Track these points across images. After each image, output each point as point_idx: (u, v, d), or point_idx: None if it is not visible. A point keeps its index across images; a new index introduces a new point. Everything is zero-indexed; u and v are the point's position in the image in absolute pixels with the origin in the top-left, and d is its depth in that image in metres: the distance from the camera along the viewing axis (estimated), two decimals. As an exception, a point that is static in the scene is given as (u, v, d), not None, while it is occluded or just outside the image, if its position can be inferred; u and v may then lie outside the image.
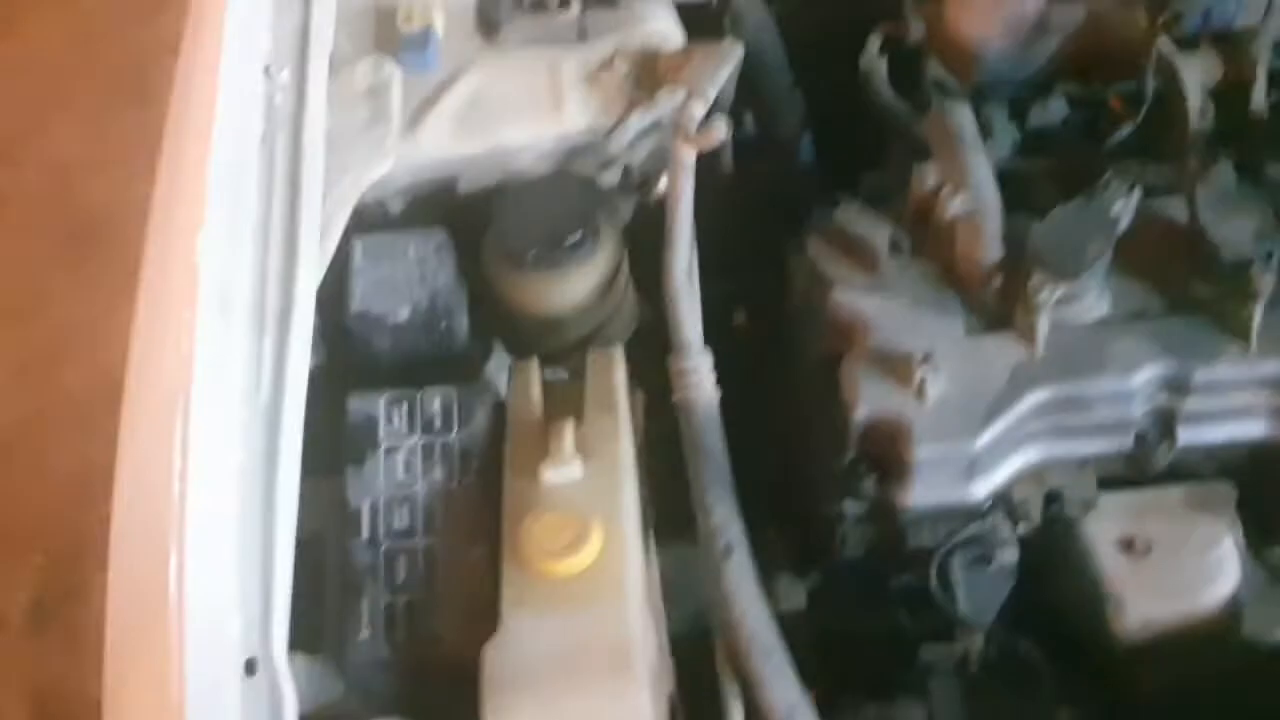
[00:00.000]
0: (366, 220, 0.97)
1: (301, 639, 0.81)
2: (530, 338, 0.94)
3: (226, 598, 0.72)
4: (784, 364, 0.99)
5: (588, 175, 0.98)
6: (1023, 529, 0.86)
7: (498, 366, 1.00)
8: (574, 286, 0.90)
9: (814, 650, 1.02)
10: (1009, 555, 0.88)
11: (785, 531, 1.05)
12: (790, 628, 1.00)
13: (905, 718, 0.82)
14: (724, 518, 0.78)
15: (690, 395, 0.82)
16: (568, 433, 0.80)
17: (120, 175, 2.34)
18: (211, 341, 0.78)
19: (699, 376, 0.83)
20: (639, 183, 0.97)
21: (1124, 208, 0.84)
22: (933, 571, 0.85)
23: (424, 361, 0.90)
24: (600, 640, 0.71)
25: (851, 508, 0.87)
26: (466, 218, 0.98)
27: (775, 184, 1.07)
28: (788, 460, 0.98)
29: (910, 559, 0.90)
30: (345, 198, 0.91)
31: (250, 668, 0.71)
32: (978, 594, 0.90)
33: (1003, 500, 0.85)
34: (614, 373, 0.85)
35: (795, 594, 1.01)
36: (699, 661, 0.81)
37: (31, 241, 2.29)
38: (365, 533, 0.81)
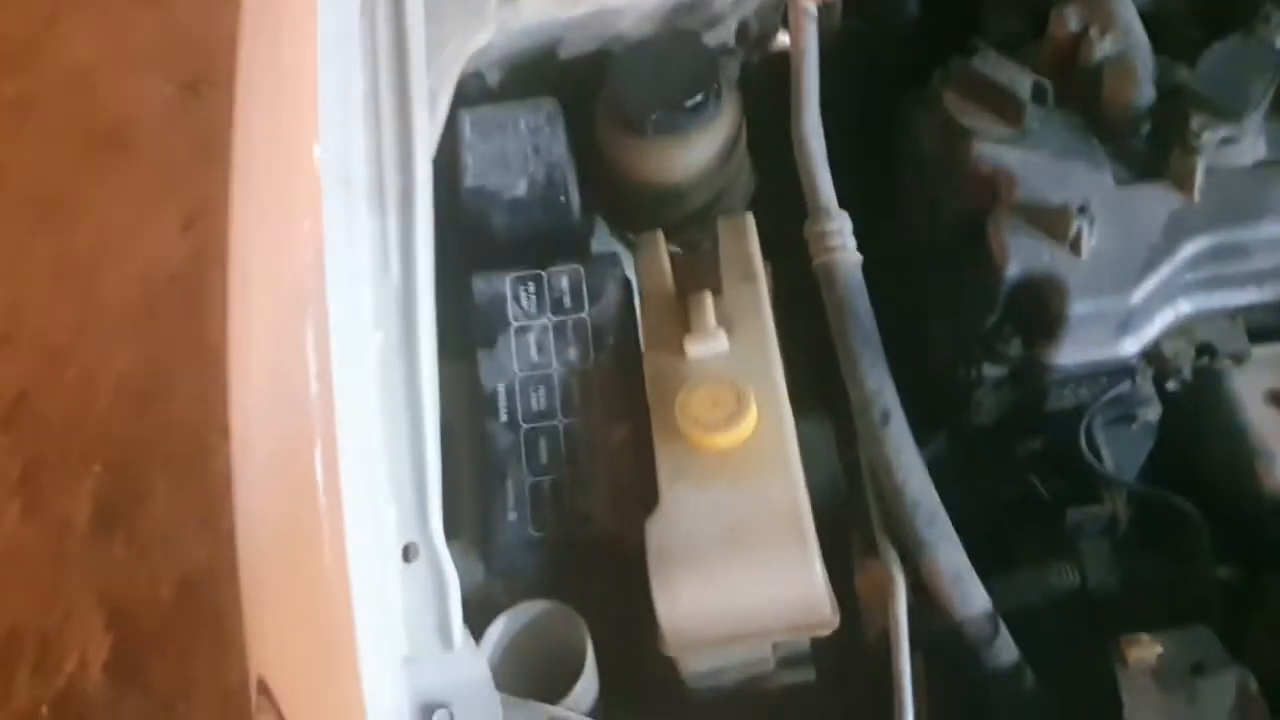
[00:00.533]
0: (464, 94, 0.92)
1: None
2: (649, 208, 0.90)
3: (378, 484, 0.70)
4: (906, 224, 0.95)
5: (695, 31, 0.93)
6: (1172, 385, 0.83)
7: (600, 243, 0.96)
8: (697, 152, 0.86)
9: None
10: (1153, 413, 0.85)
11: (907, 395, 1.02)
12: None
13: (1059, 580, 0.79)
14: (878, 383, 0.75)
15: (833, 258, 0.78)
16: (708, 304, 0.76)
17: (145, 77, 2.29)
18: (338, 222, 0.74)
19: (841, 238, 0.79)
20: (755, 37, 0.92)
21: (1289, 42, 0.79)
22: (1082, 431, 0.82)
23: (543, 237, 0.86)
24: (768, 510, 0.69)
25: (991, 371, 0.84)
26: (567, 87, 0.94)
27: (881, 39, 1.01)
28: (910, 323, 0.95)
29: (1048, 422, 0.87)
30: (448, 69, 0.86)
31: (408, 553, 0.69)
32: (1120, 453, 0.87)
33: (1152, 355, 0.82)
34: (748, 240, 0.81)
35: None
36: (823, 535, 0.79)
37: (60, 147, 2.24)
38: (503, 415, 0.78)
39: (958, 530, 0.97)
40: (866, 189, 1.01)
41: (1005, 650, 0.73)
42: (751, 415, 0.70)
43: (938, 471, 0.97)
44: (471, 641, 0.69)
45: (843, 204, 0.84)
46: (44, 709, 1.73)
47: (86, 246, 2.13)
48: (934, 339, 0.90)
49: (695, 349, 0.75)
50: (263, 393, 0.72)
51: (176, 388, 1.90)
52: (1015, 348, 0.82)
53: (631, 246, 0.94)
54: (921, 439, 0.99)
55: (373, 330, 0.74)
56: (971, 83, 0.84)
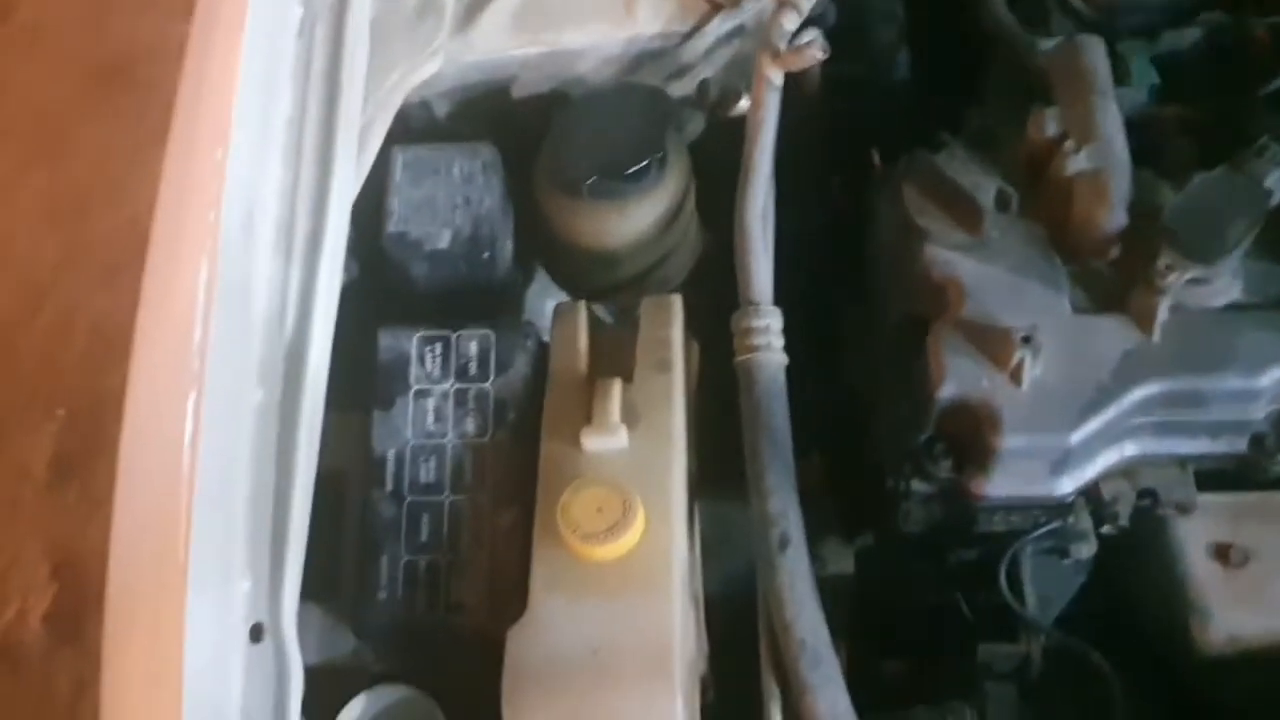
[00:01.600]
0: (408, 123, 0.88)
1: (318, 585, 0.76)
2: (580, 271, 0.85)
3: (235, 555, 0.66)
4: (859, 313, 0.90)
5: (656, 86, 0.87)
6: (1108, 529, 0.78)
7: (539, 294, 0.91)
8: (634, 220, 0.81)
9: (857, 618, 0.96)
10: (1085, 550, 0.80)
11: (838, 488, 0.98)
12: (834, 593, 0.95)
13: (958, 724, 0.75)
14: (782, 504, 0.70)
15: (755, 359, 0.73)
16: (614, 395, 0.71)
17: (158, 12, 2.24)
18: (232, 267, 0.70)
19: (766, 338, 0.74)
20: (714, 99, 0.86)
21: (1278, 180, 0.73)
22: (1002, 571, 0.77)
23: (463, 292, 0.81)
24: (636, 637, 0.64)
25: (920, 487, 0.79)
26: (519, 127, 0.89)
27: (864, 112, 0.95)
28: (851, 415, 0.90)
29: (976, 542, 0.82)
30: (389, 101, 0.82)
31: (256, 634, 0.65)
32: (1046, 585, 0.83)
33: (1089, 496, 0.77)
34: (671, 325, 0.76)
35: (843, 558, 0.95)
36: (736, 623, 0.75)
37: (63, 78, 2.20)
38: (389, 484, 0.74)
39: (881, 629, 0.94)
40: (838, 258, 0.97)
41: (881, 805, 0.68)
42: (636, 529, 0.66)
43: (864, 566, 0.94)
44: (308, 737, 0.65)
45: (798, 285, 0.80)
46: (-21, 653, 1.72)
47: (80, 183, 2.09)
48: (871, 436, 0.85)
49: (593, 443, 0.70)
50: (140, 438, 0.68)
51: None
52: (944, 470, 0.77)
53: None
54: (853, 530, 0.96)
55: (255, 388, 0.70)
56: (933, 180, 0.79)
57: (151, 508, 0.64)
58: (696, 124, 0.92)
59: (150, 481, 0.66)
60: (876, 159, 1.04)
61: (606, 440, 0.70)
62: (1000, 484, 0.75)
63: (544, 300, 0.92)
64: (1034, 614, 0.79)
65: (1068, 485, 0.75)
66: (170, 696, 0.62)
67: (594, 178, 0.78)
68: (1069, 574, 0.83)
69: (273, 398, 0.70)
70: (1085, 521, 0.78)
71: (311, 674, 0.74)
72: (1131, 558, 0.81)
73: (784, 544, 0.69)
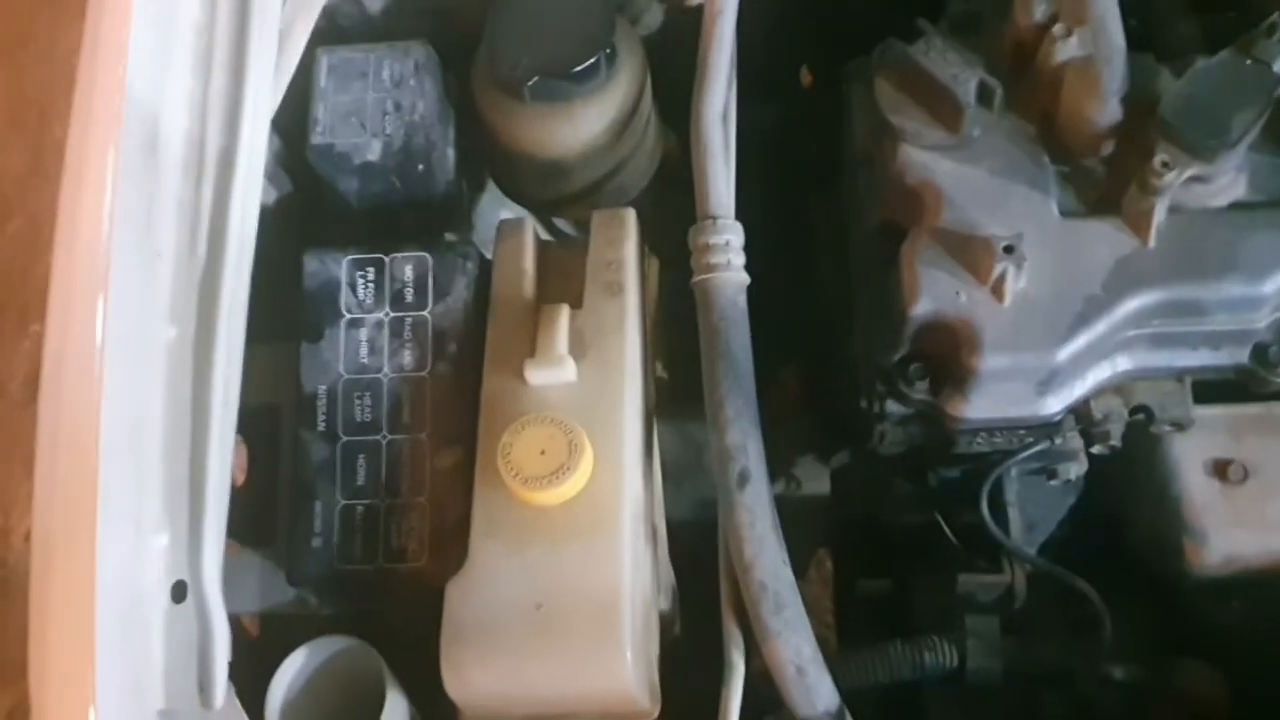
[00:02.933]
0: (336, 21, 0.80)
1: (255, 527, 0.71)
2: (527, 183, 0.78)
3: (148, 508, 0.61)
4: (831, 213, 0.83)
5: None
6: (1099, 450, 0.72)
7: (490, 209, 0.85)
8: (582, 125, 0.74)
9: (833, 541, 0.92)
10: (1075, 470, 0.75)
11: (814, 406, 0.93)
12: (810, 514, 0.90)
13: (935, 661, 0.71)
14: (741, 436, 0.64)
15: (714, 279, 0.67)
16: (560, 323, 0.66)
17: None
18: (135, 191, 0.63)
19: (725, 256, 0.68)
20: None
21: (1288, 65, 0.65)
22: (983, 497, 0.72)
23: (399, 208, 0.74)
24: (582, 589, 0.60)
25: (895, 408, 0.73)
26: (458, 23, 0.81)
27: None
28: (826, 330, 0.85)
29: (958, 462, 0.78)
30: (309, 1, 0.74)
31: (178, 593, 0.61)
32: (1033, 508, 0.78)
33: (1078, 415, 0.72)
34: (624, 244, 0.70)
35: (818, 478, 0.90)
36: (708, 548, 0.71)
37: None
38: (321, 423, 0.68)
39: (858, 548, 0.90)
40: (811, 161, 0.90)
41: (850, 750, 0.65)
42: (583, 471, 0.61)
43: (843, 484, 0.89)
44: (235, 700, 0.61)
45: (765, 191, 0.73)
46: (-37, 574, 1.70)
47: (42, 91, 2.01)
48: (848, 356, 0.80)
49: (537, 376, 0.65)
50: (53, 374, 0.63)
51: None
52: (920, 391, 0.71)
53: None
54: (830, 449, 0.91)
55: (166, 324, 0.64)
56: (908, 73, 0.71)
57: (62, 455, 0.59)
58: (654, 15, 0.84)
59: (61, 428, 0.61)
60: (807, 77, 0.96)
61: (552, 373, 0.65)
62: (980, 406, 0.69)
63: (496, 212, 0.86)
64: (1020, 539, 0.74)
65: (1055, 405, 0.70)
66: (84, 657, 0.57)
67: (535, 78, 0.71)
68: (1057, 496, 0.78)
69: (186, 335, 0.64)
70: (1074, 441, 0.73)
71: (258, 622, 0.71)
72: (1123, 477, 0.76)
73: (743, 480, 0.64)
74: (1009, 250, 0.65)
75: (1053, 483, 0.76)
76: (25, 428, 1.89)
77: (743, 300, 0.68)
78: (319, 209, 0.76)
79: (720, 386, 0.65)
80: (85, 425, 0.60)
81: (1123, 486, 0.77)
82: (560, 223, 0.87)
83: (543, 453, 0.61)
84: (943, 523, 0.80)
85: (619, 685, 0.58)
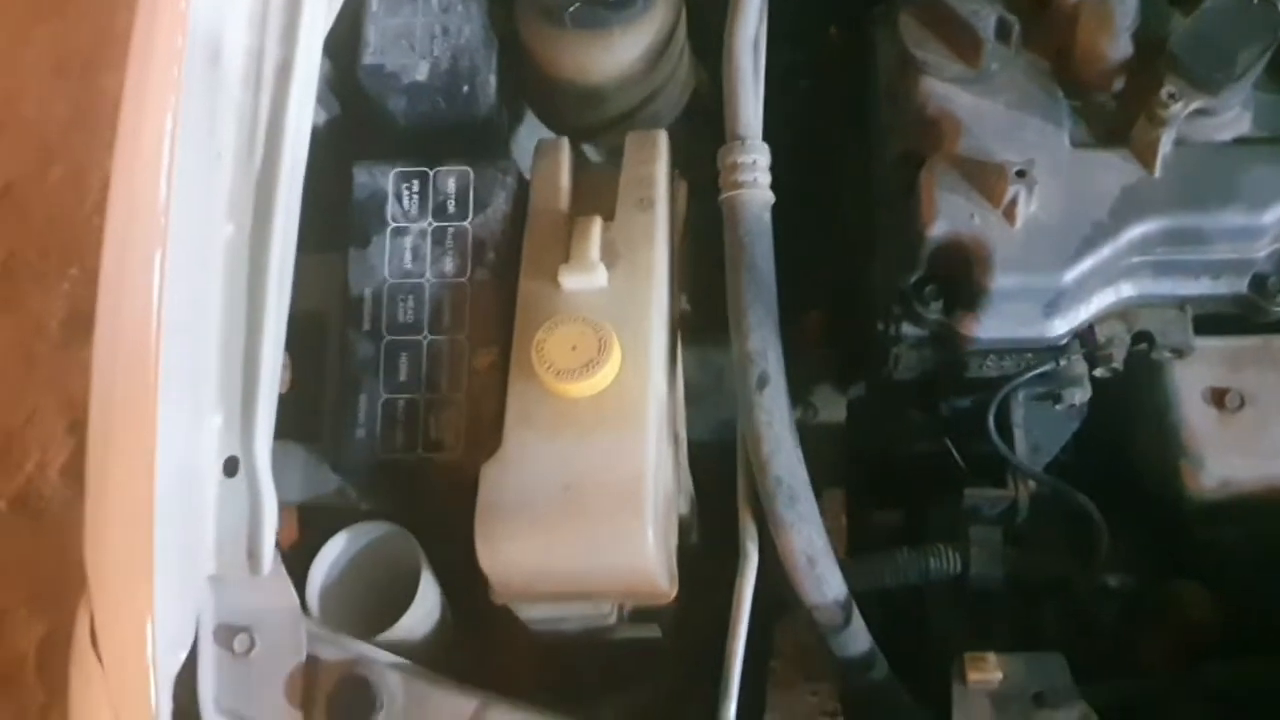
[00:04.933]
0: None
1: (299, 425, 0.76)
2: (564, 108, 0.82)
3: (206, 389, 0.66)
4: (857, 151, 0.87)
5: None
6: (1101, 372, 0.76)
7: (528, 134, 0.89)
8: (620, 52, 0.77)
9: (848, 465, 0.96)
10: (1079, 395, 0.78)
11: (831, 334, 0.96)
12: (825, 440, 0.94)
13: (939, 566, 0.75)
14: (761, 343, 0.68)
15: (740, 195, 0.71)
16: (594, 233, 0.69)
17: None
18: (198, 96, 0.67)
19: (752, 174, 0.71)
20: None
21: (1294, 5, 0.68)
22: (991, 414, 0.76)
23: (443, 127, 0.79)
24: (610, 472, 0.64)
25: (910, 330, 0.77)
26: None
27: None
28: (848, 262, 0.88)
29: (967, 387, 0.81)
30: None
31: (229, 467, 0.65)
32: (1038, 432, 0.82)
33: (1083, 338, 0.75)
34: (655, 163, 0.73)
35: (834, 405, 0.94)
36: (725, 470, 0.75)
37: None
38: (366, 323, 0.73)
39: (873, 478, 0.93)
40: (838, 96, 0.93)
41: (856, 640, 0.69)
42: (611, 366, 0.65)
43: (856, 415, 0.93)
44: (282, 567, 0.65)
45: (797, 124, 0.76)
46: (1, 504, 1.76)
47: (87, 41, 2.06)
48: (865, 282, 0.83)
49: (570, 281, 0.69)
50: (115, 266, 0.67)
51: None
52: (934, 311, 0.75)
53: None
54: (848, 379, 0.94)
55: (224, 222, 0.68)
56: (932, 9, 0.75)
57: (124, 340, 0.63)
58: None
59: (123, 315, 0.65)
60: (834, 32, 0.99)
61: (584, 278, 0.69)
62: (991, 325, 0.73)
63: (533, 140, 0.90)
64: (1025, 460, 0.78)
65: (1060, 327, 0.74)
66: (143, 527, 0.62)
67: (576, 5, 0.75)
68: (1061, 420, 0.82)
69: (242, 232, 0.68)
70: (1079, 365, 0.76)
71: (297, 512, 0.75)
72: (1124, 402, 0.80)
73: (762, 382, 0.68)
74: (1021, 174, 0.69)
75: (1057, 408, 0.79)
76: (64, 368, 1.93)
77: (767, 216, 0.71)
78: (365, 127, 0.81)
79: (744, 296, 0.69)
80: (146, 310, 0.64)
81: (1123, 412, 0.80)
82: (589, 150, 0.91)
83: (574, 348, 0.65)
84: (953, 449, 0.84)
85: (640, 562, 0.63)
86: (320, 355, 0.76)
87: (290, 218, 0.69)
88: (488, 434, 0.69)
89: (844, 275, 0.90)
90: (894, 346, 0.79)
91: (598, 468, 0.64)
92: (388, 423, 0.71)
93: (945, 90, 0.74)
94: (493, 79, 0.80)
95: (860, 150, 0.87)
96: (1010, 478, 0.78)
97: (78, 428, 1.77)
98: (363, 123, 0.80)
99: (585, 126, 0.83)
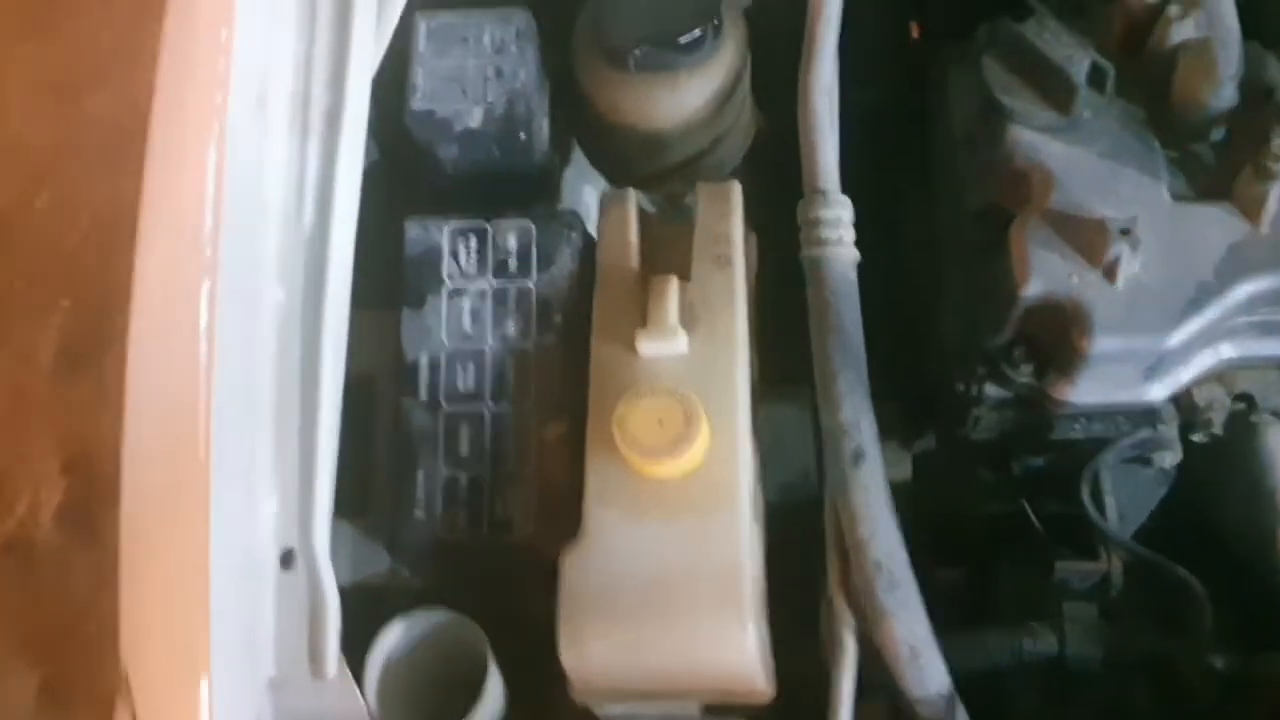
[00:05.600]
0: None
1: (349, 501, 0.70)
2: (624, 155, 0.78)
3: (260, 473, 0.61)
4: (928, 200, 0.83)
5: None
6: (1200, 437, 0.72)
7: (575, 180, 0.84)
8: (687, 97, 0.73)
9: (914, 524, 0.92)
10: (1170, 459, 0.74)
11: (896, 389, 0.92)
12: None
13: (1034, 647, 0.70)
14: (854, 413, 0.64)
15: (824, 253, 0.66)
16: (671, 294, 0.65)
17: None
18: (245, 149, 0.62)
19: (838, 230, 0.67)
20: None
21: None
22: (1085, 485, 0.72)
23: (496, 177, 0.74)
24: (704, 561, 0.59)
25: (994, 392, 0.73)
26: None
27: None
28: (913, 312, 0.84)
29: (1051, 449, 0.77)
30: (408, -39, 0.73)
31: (286, 560, 0.60)
32: (1125, 497, 0.77)
33: (1181, 402, 0.71)
34: (731, 217, 0.69)
35: (899, 464, 0.89)
36: (791, 532, 0.70)
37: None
38: (423, 392, 0.67)
39: (938, 536, 0.89)
40: (896, 151, 0.89)
41: (960, 732, 0.64)
42: (701, 443, 0.60)
43: (922, 472, 0.89)
44: (346, 670, 0.60)
45: (858, 171, 0.72)
46: (-9, 549, 1.69)
47: (76, 59, 1.99)
48: (940, 339, 0.79)
49: (649, 347, 0.64)
50: (151, 336, 0.62)
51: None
52: (1024, 375, 0.71)
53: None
54: (912, 434, 0.90)
55: (274, 285, 0.63)
56: (1019, 53, 0.71)
57: (167, 413, 0.58)
58: (746, -14, 0.83)
59: (165, 385, 0.60)
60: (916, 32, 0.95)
61: (664, 344, 0.64)
62: (1087, 390, 0.69)
63: (580, 187, 0.85)
64: (1115, 527, 0.74)
65: (1160, 391, 0.70)
66: (195, 627, 0.57)
67: (642, 47, 0.70)
68: (1149, 484, 0.78)
69: (294, 296, 0.63)
70: (1173, 428, 0.73)
71: (345, 595, 0.69)
72: (1220, 471, 0.76)
73: (858, 457, 0.63)
74: (1125, 232, 0.65)
75: (1147, 471, 0.75)
76: (57, 403, 1.86)
77: (854, 275, 0.67)
78: (410, 175, 0.76)
79: (832, 361, 0.65)
80: (193, 385, 0.59)
81: (1214, 476, 0.76)
82: (642, 198, 0.86)
83: (659, 423, 0.60)
84: (1030, 511, 0.79)
85: (739, 661, 0.58)
86: (370, 423, 0.71)
87: (343, 281, 0.65)
88: (559, 513, 0.64)
89: (904, 320, 0.86)
90: (975, 408, 0.75)
91: (689, 556, 0.59)
92: (449, 501, 0.66)
93: (1035, 140, 0.70)
94: (546, 124, 0.75)
95: (923, 196, 0.83)
96: (1102, 548, 0.74)
97: (74, 467, 1.71)
98: (405, 170, 0.75)
99: (644, 174, 0.78)
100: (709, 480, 0.60)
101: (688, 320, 0.65)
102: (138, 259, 0.62)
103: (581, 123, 0.78)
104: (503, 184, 0.74)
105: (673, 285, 0.65)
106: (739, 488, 0.61)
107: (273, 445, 0.61)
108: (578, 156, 0.84)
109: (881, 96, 0.84)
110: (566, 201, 0.82)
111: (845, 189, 0.70)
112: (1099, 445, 0.73)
